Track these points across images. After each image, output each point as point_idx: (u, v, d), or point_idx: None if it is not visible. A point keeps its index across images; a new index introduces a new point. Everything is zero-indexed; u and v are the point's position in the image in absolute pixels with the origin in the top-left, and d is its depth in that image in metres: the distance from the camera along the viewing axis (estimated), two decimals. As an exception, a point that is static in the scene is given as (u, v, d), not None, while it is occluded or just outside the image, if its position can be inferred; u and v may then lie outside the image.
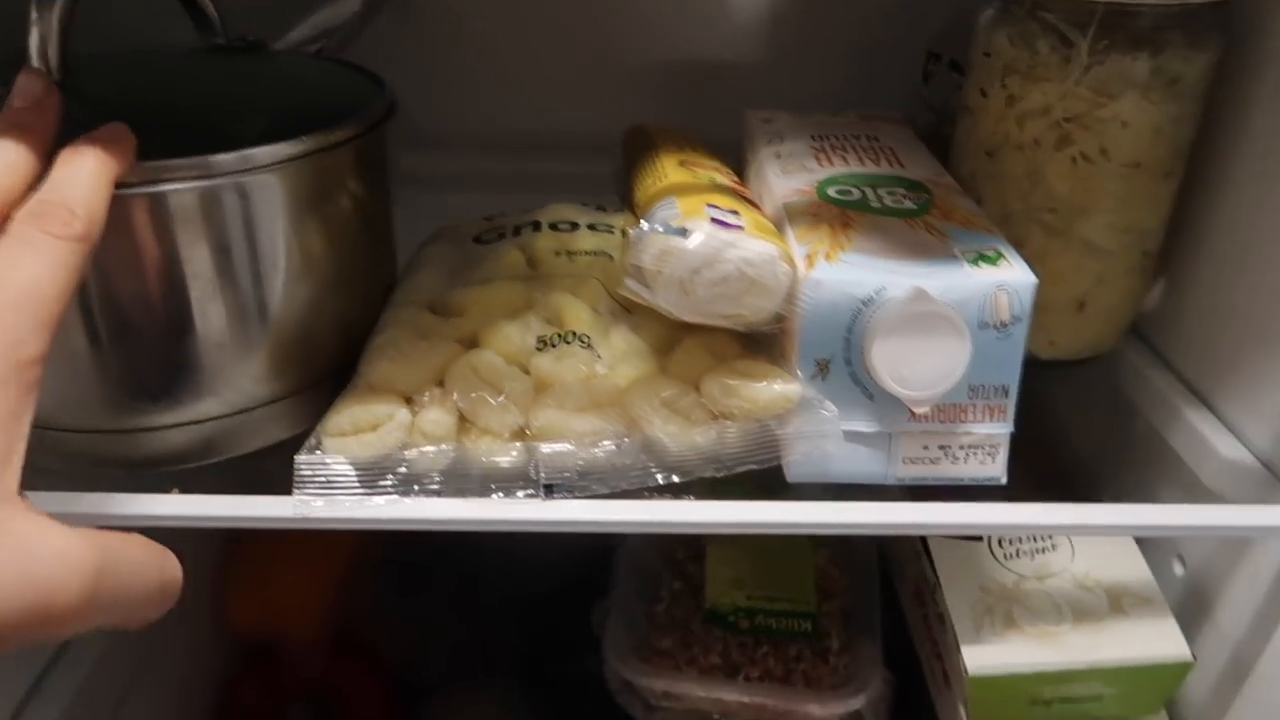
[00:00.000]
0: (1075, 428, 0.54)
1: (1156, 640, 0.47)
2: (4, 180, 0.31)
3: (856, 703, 0.53)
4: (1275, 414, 0.45)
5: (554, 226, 0.50)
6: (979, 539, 0.52)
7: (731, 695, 0.54)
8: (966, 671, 0.47)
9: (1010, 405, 0.40)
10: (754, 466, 0.40)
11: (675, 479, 0.40)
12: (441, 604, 0.71)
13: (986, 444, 0.40)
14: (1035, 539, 0.52)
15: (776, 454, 0.40)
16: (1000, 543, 0.52)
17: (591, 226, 0.50)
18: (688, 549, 0.62)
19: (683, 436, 0.39)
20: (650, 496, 0.40)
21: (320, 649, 0.69)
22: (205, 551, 0.66)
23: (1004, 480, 0.41)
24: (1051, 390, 0.54)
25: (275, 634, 0.69)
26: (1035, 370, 0.53)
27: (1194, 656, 0.46)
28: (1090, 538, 0.51)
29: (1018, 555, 0.51)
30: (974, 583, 0.50)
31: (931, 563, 0.51)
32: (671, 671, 0.55)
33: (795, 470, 0.40)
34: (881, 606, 0.58)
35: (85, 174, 0.32)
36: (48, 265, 0.29)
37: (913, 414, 0.39)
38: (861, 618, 0.58)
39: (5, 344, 0.27)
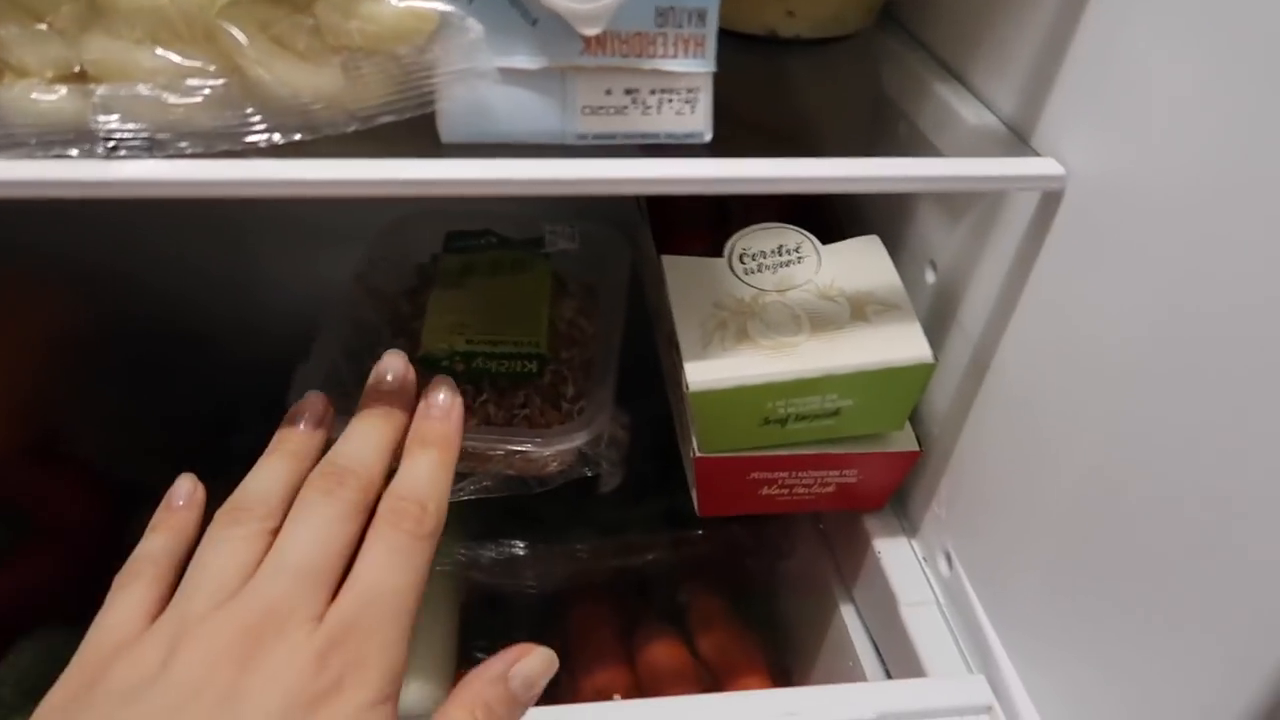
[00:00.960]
0: (817, 115, 0.49)
1: (897, 343, 0.43)
2: (375, 466, 0.34)
3: (577, 439, 0.47)
4: (1019, 76, 0.40)
5: None
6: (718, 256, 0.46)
7: None
8: (688, 388, 0.41)
9: (710, 38, 0.33)
10: (392, 117, 0.32)
11: (297, 137, 0.31)
12: (155, 399, 0.63)
13: (683, 87, 0.34)
14: (781, 252, 0.46)
15: (419, 101, 0.32)
16: (742, 257, 0.46)
17: None
18: (413, 304, 0.55)
19: (294, 76, 0.30)
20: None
21: (9, 453, 0.60)
22: None
23: (708, 136, 0.35)
24: (796, 78, 0.48)
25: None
26: (777, 51, 0.48)
27: (935, 358, 0.42)
28: (841, 253, 0.47)
29: (759, 270, 0.46)
30: (708, 300, 0.45)
31: (664, 283, 0.45)
32: None
33: (450, 126, 0.33)
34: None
35: (431, 466, 0.34)
36: (408, 571, 0.32)
37: (585, 42, 0.32)
38: (602, 367, 0.52)
39: (387, 670, 0.30)
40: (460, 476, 0.47)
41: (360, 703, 0.29)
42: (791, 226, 0.48)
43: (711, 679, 0.58)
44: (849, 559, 0.54)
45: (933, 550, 0.48)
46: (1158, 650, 0.34)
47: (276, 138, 0.32)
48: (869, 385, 0.43)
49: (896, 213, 0.52)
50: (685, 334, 0.43)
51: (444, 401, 0.36)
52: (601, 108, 0.33)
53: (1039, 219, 0.39)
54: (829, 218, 0.57)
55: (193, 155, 0.31)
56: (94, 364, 0.63)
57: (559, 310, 0.55)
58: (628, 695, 0.57)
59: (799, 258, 0.46)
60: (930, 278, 0.48)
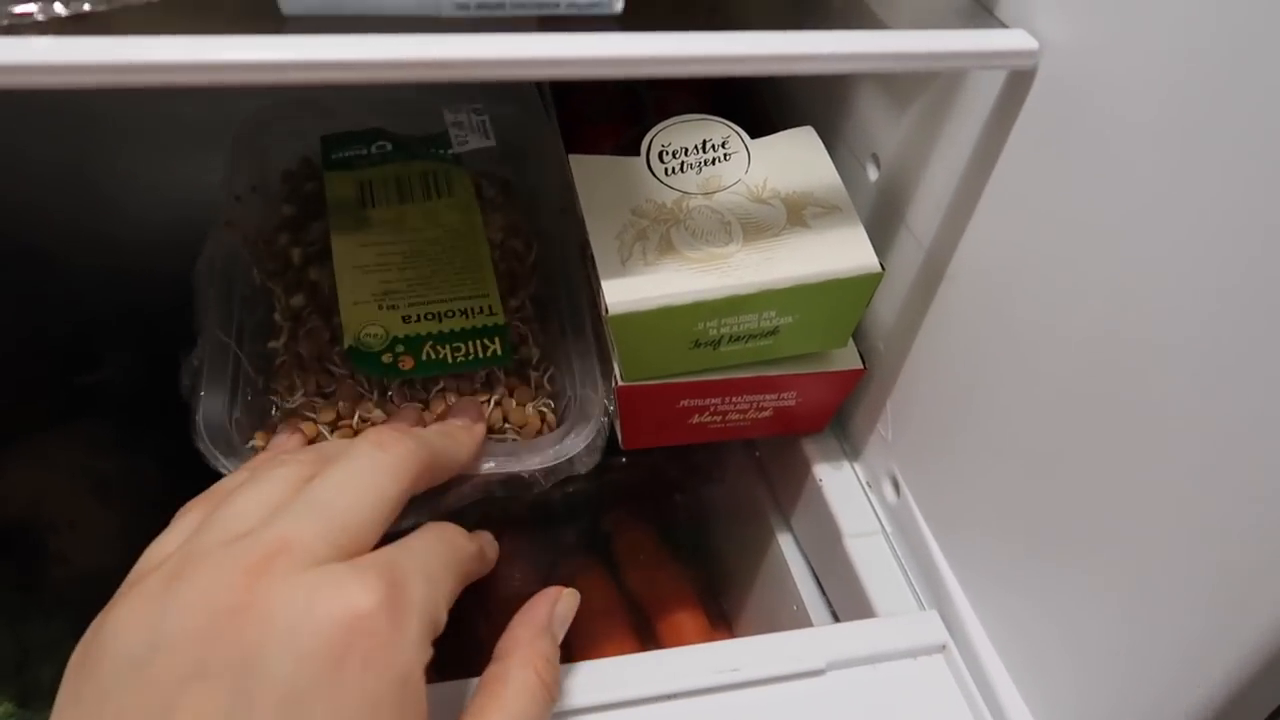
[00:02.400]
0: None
1: (840, 251, 0.38)
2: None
3: (573, 445, 0.41)
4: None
5: None
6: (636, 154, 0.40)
7: None
8: (606, 310, 0.36)
9: (616, -122, 0.26)
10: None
11: (86, 7, 0.24)
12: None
13: (588, -59, 0.27)
14: (705, 148, 0.40)
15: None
16: (661, 155, 0.40)
17: None
18: (305, 242, 0.46)
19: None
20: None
21: None
22: None
23: (619, 6, 0.28)
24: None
25: None
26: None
27: (883, 267, 0.37)
28: (772, 148, 0.41)
29: (682, 170, 0.40)
30: (624, 205, 0.39)
31: (573, 187, 0.39)
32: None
33: (292, -7, 0.25)
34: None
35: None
36: (455, 565, 0.31)
37: (458, -122, 0.25)
38: (559, 305, 0.45)
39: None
40: (441, 490, 0.39)
41: (401, 667, 0.26)
42: (716, 118, 0.41)
43: (640, 615, 0.54)
44: (786, 486, 0.50)
45: (877, 476, 0.44)
46: (1125, 589, 0.30)
47: (59, 8, 0.24)
48: (810, 300, 0.38)
49: (832, 99, 0.46)
50: (601, 247, 0.37)
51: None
52: (484, -32, 0.26)
53: (1004, 103, 0.33)
54: (755, 105, 0.51)
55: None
56: None
57: (488, 234, 0.46)
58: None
59: (726, 154, 0.41)
60: (873, 174, 0.43)
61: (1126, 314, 0.29)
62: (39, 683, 0.50)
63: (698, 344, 0.38)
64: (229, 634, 0.24)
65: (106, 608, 0.27)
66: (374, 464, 0.30)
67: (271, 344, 0.43)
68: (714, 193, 0.39)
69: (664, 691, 0.36)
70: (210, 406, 0.39)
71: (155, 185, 0.61)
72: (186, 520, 0.31)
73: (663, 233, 0.38)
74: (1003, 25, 0.33)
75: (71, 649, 0.51)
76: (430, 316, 0.43)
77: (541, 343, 0.45)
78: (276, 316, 0.44)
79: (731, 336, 0.38)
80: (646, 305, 0.36)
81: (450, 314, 0.43)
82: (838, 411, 0.47)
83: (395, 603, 0.26)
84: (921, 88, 0.39)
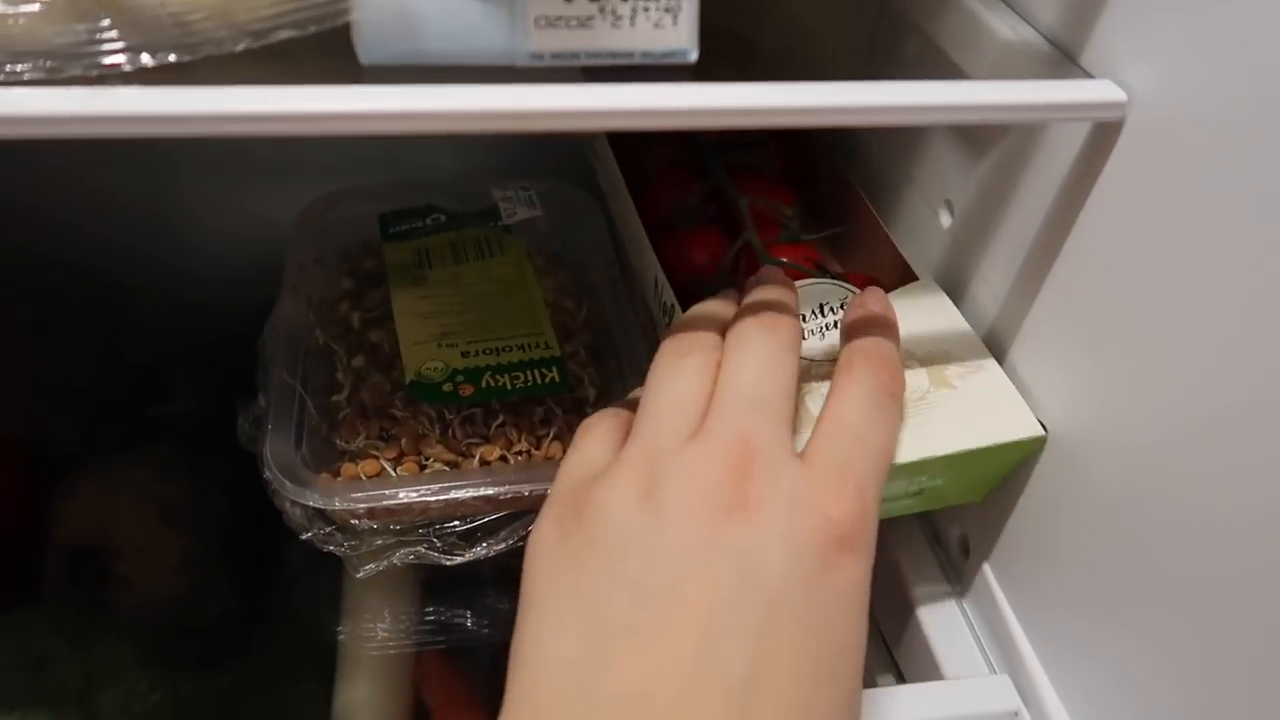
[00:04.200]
0: (811, 27, 0.42)
1: (1000, 415, 0.35)
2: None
3: None
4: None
5: None
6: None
7: (469, 492, 0.39)
8: None
9: (696, -69, 0.26)
10: (293, 32, 0.25)
11: (172, 58, 0.25)
12: (70, 358, 0.57)
13: (662, -7, 0.27)
14: (824, 311, 0.39)
15: (329, 10, 0.25)
16: None
17: None
18: (364, 308, 0.47)
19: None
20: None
21: None
22: None
23: (694, 55, 0.28)
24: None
25: None
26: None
27: (1045, 427, 0.35)
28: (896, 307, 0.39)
29: (804, 335, 0.38)
30: None
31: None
32: (377, 482, 0.39)
33: (370, 43, 0.26)
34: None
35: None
36: (888, 429, 0.32)
37: (539, -67, 0.25)
38: (615, 351, 0.45)
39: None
40: (506, 522, 0.40)
41: (863, 574, 0.28)
42: (830, 280, 0.40)
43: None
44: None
45: (948, 536, 0.43)
46: (1213, 672, 0.29)
47: (145, 59, 0.25)
48: (966, 465, 0.35)
49: (903, 143, 0.45)
50: None
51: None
52: (560, 19, 0.26)
53: (1089, 155, 0.32)
54: (820, 153, 0.50)
55: (34, 81, 0.24)
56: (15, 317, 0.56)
57: (540, 289, 0.47)
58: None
59: None
60: (946, 220, 0.42)
61: (1218, 393, 0.28)
62: (100, 709, 0.50)
63: None
64: (729, 527, 0.27)
65: (583, 492, 0.29)
66: (778, 345, 0.31)
67: (335, 398, 0.43)
68: None
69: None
70: (277, 443, 0.40)
71: (226, 221, 0.62)
72: (598, 433, 0.32)
73: (799, 400, 0.35)
74: (1088, 75, 0.32)
75: (135, 675, 0.51)
76: (488, 351, 0.44)
77: (598, 384, 0.45)
78: (339, 375, 0.45)
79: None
80: None
81: (507, 349, 0.44)
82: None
83: (862, 515, 0.28)
84: (999, 135, 0.38)
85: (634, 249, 0.46)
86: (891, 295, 0.38)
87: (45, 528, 0.56)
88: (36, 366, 0.57)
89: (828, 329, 0.38)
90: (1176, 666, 0.30)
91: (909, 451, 0.34)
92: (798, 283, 0.39)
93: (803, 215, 0.48)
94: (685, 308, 0.39)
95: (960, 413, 0.35)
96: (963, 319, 0.39)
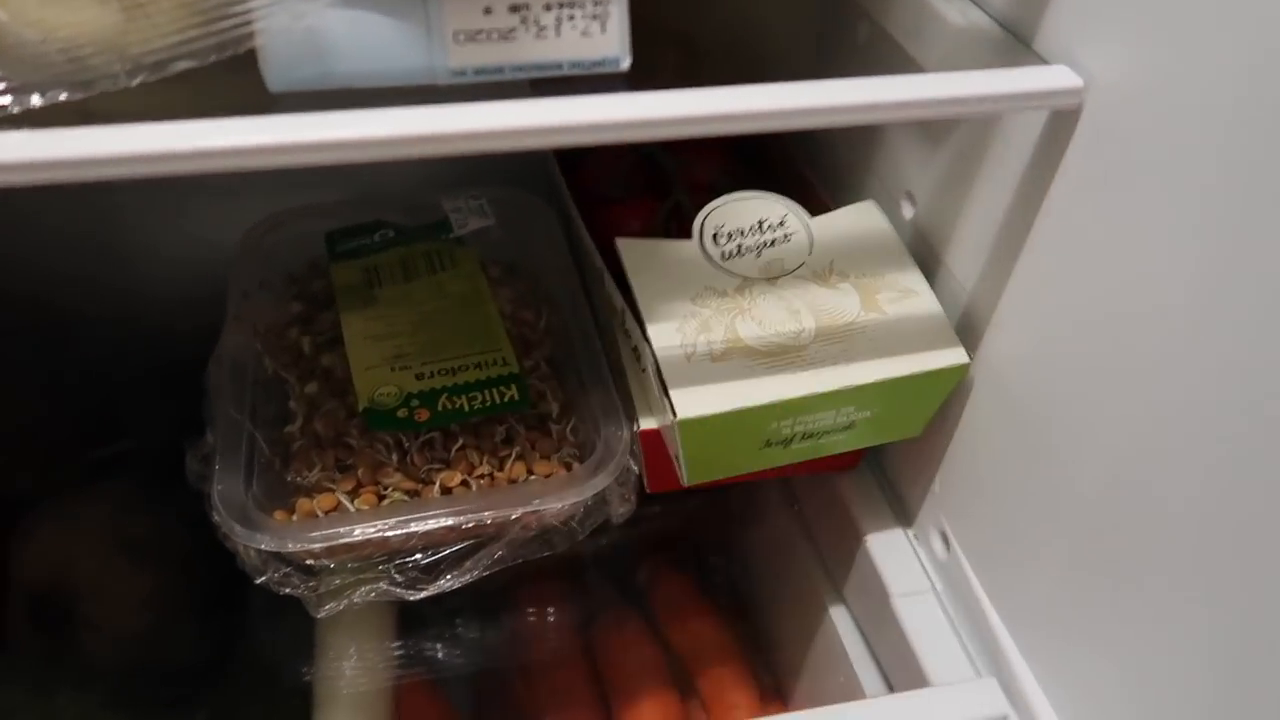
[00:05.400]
0: (753, 17, 0.40)
1: (925, 343, 0.35)
2: None
3: (600, 481, 0.38)
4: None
5: None
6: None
7: (429, 523, 0.37)
8: (674, 415, 0.34)
9: (620, -70, 0.25)
10: (192, 63, 0.23)
11: (63, 97, 0.23)
12: (17, 395, 0.55)
13: (589, 0, 0.25)
14: (763, 228, 0.38)
15: (228, 38, 0.23)
16: (716, 237, 0.38)
17: None
18: (315, 331, 0.45)
19: (46, 10, 0.22)
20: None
21: None
22: None
23: (626, 63, 0.27)
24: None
25: None
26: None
27: (969, 355, 0.35)
28: (833, 227, 0.39)
29: (739, 253, 0.38)
30: (682, 294, 0.37)
31: (624, 279, 0.37)
32: (333, 519, 0.37)
33: (277, 70, 0.24)
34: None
35: None
36: None
37: (449, -57, 0.23)
38: (576, 362, 0.43)
39: None
40: (471, 551, 0.38)
41: None
42: (770, 194, 0.39)
43: (681, 670, 0.52)
44: (827, 539, 0.48)
45: (925, 529, 0.42)
46: (1210, 657, 0.28)
47: (34, 100, 0.23)
48: (894, 394, 0.35)
49: (863, 136, 0.44)
50: (661, 341, 0.36)
51: None
52: (480, 32, 0.25)
53: (1047, 142, 0.31)
54: (778, 144, 0.49)
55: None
56: None
57: (494, 302, 0.46)
58: (591, 702, 0.51)
59: (786, 235, 0.38)
60: (908, 211, 0.41)
61: (1186, 371, 0.27)
62: (68, 758, 0.49)
63: (769, 444, 0.36)
64: None
65: None
66: None
67: (288, 429, 0.42)
68: (777, 277, 0.37)
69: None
70: (226, 483, 0.38)
71: (171, 246, 0.60)
72: None
73: (727, 323, 0.36)
74: (1043, 61, 0.30)
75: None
76: (444, 372, 0.42)
77: (560, 398, 0.44)
78: (291, 404, 0.43)
79: (805, 434, 0.36)
80: (718, 408, 0.34)
81: (464, 368, 0.42)
82: (879, 457, 0.45)
83: None
84: (956, 124, 0.36)
85: (574, 223, 0.45)
86: (834, 214, 0.39)
87: (2, 572, 0.54)
88: None
89: (764, 247, 0.38)
90: (1167, 649, 0.29)
91: (834, 380, 0.34)
92: (733, 195, 0.39)
93: (738, 180, 0.47)
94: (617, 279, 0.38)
95: (887, 341, 0.35)
96: (902, 245, 0.38)
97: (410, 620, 0.52)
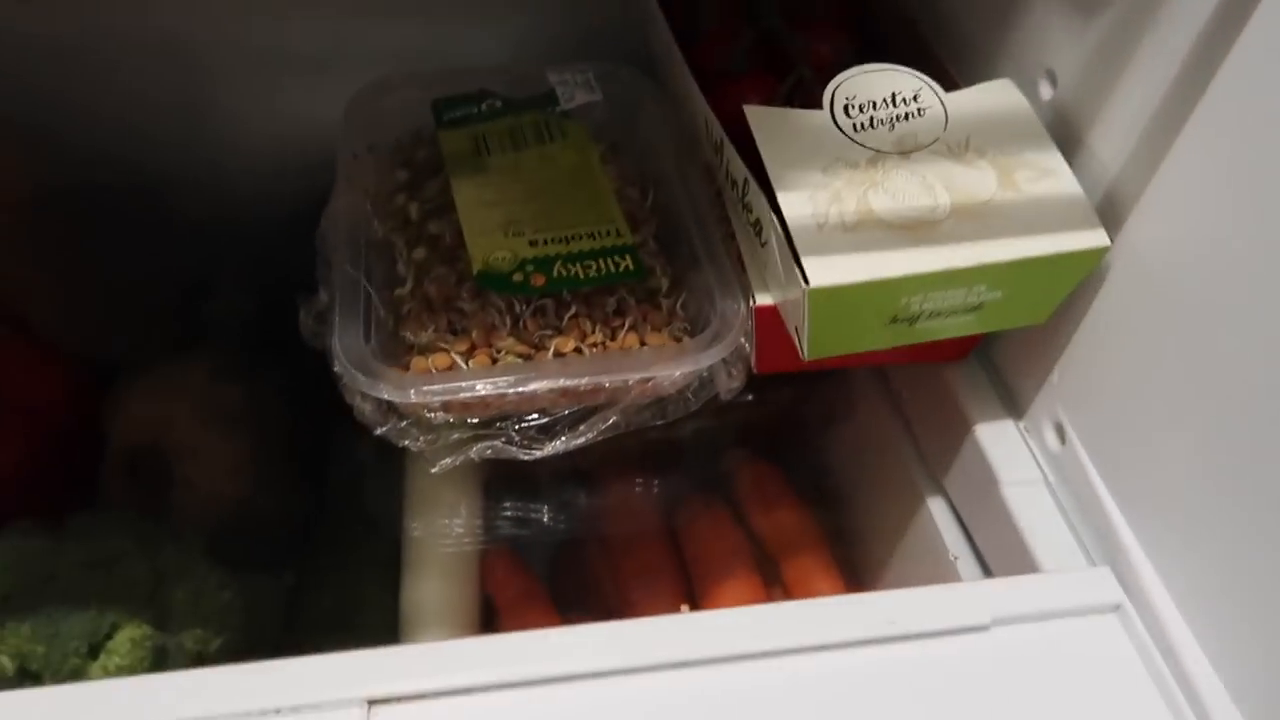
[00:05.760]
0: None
1: (1065, 223, 0.34)
2: None
3: (716, 353, 0.38)
4: None
5: None
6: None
7: (546, 384, 0.37)
8: (806, 283, 0.33)
9: None
10: None
11: None
12: (117, 259, 0.56)
13: None
14: (895, 101, 0.37)
15: None
16: (847, 109, 0.37)
17: None
18: (421, 199, 0.45)
19: None
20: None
21: None
22: None
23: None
24: None
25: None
26: None
27: (1110, 238, 0.34)
28: (969, 103, 0.38)
29: (872, 125, 0.37)
30: (813, 165, 0.36)
31: (748, 151, 0.37)
32: (449, 374, 0.38)
33: None
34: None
35: None
36: None
37: None
38: (685, 239, 0.43)
39: None
40: (585, 415, 0.39)
41: None
42: (903, 68, 0.38)
43: (766, 558, 0.53)
44: (929, 429, 0.47)
45: (1038, 421, 0.41)
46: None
47: None
48: (1028, 275, 0.35)
49: (999, 13, 0.42)
50: (793, 211, 0.35)
51: None
52: None
53: (1227, 9, 0.29)
54: (910, 33, 0.47)
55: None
56: (34, 222, 0.54)
57: (606, 176, 0.45)
58: (674, 580, 0.52)
59: (920, 109, 0.37)
60: (1046, 92, 0.39)
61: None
62: (171, 606, 0.50)
63: (895, 320, 0.35)
64: None
65: None
66: None
67: (399, 291, 0.42)
68: (911, 152, 0.36)
69: (814, 643, 0.34)
70: (346, 336, 0.38)
71: (265, 118, 0.60)
72: None
73: (859, 195, 0.35)
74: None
75: (204, 573, 0.51)
76: (557, 240, 0.41)
77: (670, 273, 0.43)
78: (400, 268, 0.43)
79: (932, 312, 0.35)
80: (851, 279, 0.33)
81: (577, 237, 0.42)
82: (988, 349, 0.44)
83: None
84: (1118, -10, 0.34)
85: (684, 99, 0.44)
86: (969, 91, 0.38)
87: (100, 431, 0.55)
88: (83, 269, 0.56)
89: (898, 120, 0.37)
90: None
91: (970, 256, 0.33)
92: (865, 67, 0.38)
93: (862, 57, 0.46)
94: (739, 148, 0.38)
95: (1025, 220, 0.34)
96: (1040, 124, 0.37)
97: (498, 488, 0.53)
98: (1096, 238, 0.35)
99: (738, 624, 0.34)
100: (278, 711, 0.30)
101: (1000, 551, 0.41)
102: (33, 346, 0.55)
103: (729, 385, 0.40)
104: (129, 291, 0.58)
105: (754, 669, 0.33)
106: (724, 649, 0.33)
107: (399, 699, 0.31)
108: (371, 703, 0.30)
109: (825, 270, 0.33)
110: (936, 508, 0.45)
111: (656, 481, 0.57)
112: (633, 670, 0.32)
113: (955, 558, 0.42)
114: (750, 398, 0.56)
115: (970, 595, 0.35)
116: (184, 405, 0.55)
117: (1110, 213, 0.36)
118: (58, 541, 0.47)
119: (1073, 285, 0.37)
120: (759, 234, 0.38)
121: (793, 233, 0.34)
